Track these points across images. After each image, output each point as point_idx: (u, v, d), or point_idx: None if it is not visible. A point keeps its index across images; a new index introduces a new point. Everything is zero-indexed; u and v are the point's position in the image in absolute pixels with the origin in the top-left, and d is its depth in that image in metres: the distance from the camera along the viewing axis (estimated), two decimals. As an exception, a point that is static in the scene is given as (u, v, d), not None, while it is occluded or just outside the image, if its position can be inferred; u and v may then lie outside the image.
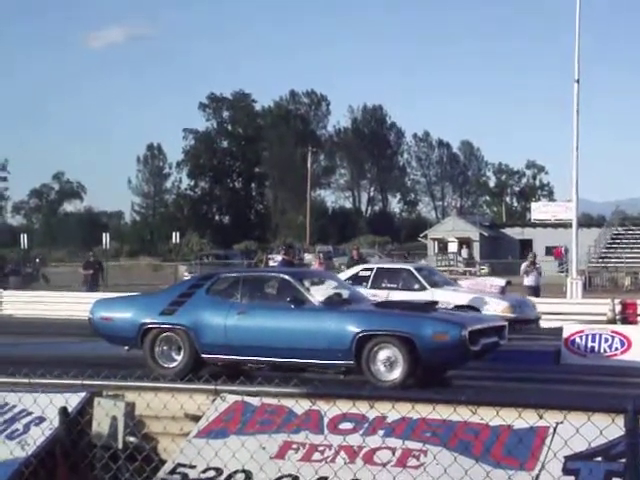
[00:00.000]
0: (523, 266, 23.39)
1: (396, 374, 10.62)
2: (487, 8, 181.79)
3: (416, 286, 16.69)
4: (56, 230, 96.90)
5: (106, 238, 48.48)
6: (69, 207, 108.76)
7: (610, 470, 4.73)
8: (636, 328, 14.62)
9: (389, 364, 10.67)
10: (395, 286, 16.95)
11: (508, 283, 19.66)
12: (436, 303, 12.57)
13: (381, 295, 16.02)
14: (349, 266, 22.94)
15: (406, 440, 5.22)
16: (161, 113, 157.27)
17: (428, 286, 16.65)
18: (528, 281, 23.36)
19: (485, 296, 16.79)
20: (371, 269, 17.76)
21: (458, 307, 15.74)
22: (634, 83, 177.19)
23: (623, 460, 4.40)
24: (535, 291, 22.72)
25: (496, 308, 15.97)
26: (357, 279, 17.20)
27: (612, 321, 16.70)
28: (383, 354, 10.69)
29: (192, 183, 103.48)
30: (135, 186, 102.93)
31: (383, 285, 16.98)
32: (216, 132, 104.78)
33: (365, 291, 16.28)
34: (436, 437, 5.15)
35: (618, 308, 17.68)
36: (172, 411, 5.78)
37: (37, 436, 6.01)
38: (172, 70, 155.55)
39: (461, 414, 4.98)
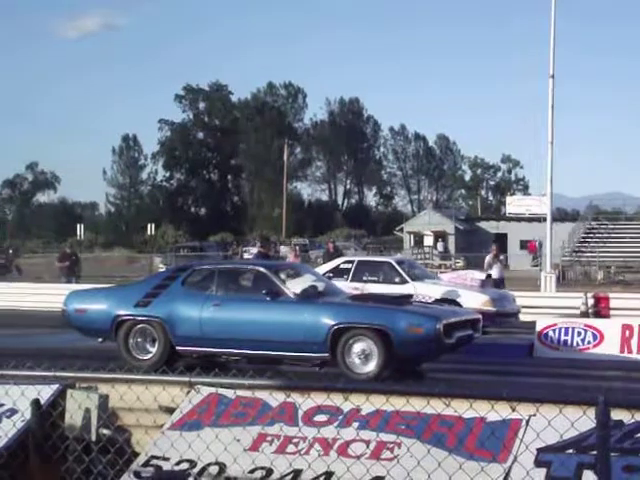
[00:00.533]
0: (487, 259, 23.41)
1: (371, 367, 10.65)
2: (468, 4, 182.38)
3: (397, 279, 16.68)
4: (29, 221, 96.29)
5: (80, 229, 48.22)
6: (43, 198, 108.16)
7: (581, 462, 4.77)
8: (608, 322, 14.75)
9: (364, 357, 10.69)
10: (376, 279, 16.94)
11: (488, 277, 19.74)
12: (411, 296, 12.61)
13: (362, 288, 16.07)
14: (325, 259, 22.93)
15: (380, 432, 5.24)
16: (137, 104, 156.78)
17: (409, 279, 16.65)
18: (492, 274, 23.31)
19: (466, 289, 16.83)
20: (352, 262, 17.72)
21: (439, 300, 15.81)
22: (611, 82, 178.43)
23: (594, 452, 4.45)
24: (498, 284, 22.67)
25: (476, 301, 15.98)
26: (338, 272, 17.18)
27: (585, 315, 16.82)
28: (358, 347, 10.71)
29: (168, 175, 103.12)
30: (110, 177, 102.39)
31: (364, 278, 16.95)
32: (192, 123, 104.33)
33: (346, 284, 16.23)
34: (410, 429, 5.17)
35: (591, 302, 17.81)
36: (146, 403, 5.76)
37: (8, 428, 5.97)
38: (148, 61, 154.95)
39: (435, 407, 5.00)
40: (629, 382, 11.30)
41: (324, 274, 17.05)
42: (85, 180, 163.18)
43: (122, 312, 11.83)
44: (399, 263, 17.59)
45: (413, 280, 16.69)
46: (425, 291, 16.23)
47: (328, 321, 10.81)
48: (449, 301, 15.86)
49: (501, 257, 23.86)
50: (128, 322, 11.76)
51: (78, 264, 27.58)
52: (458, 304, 15.65)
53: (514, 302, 17.35)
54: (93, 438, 5.68)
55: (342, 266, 17.52)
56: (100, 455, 5.59)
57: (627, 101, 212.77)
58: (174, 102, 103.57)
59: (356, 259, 18.47)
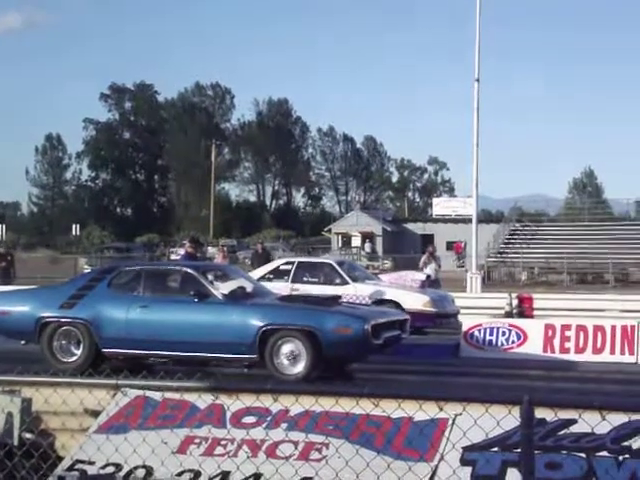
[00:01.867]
0: (423, 258, 23.63)
1: (299, 368, 10.67)
2: (395, 6, 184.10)
3: (337, 280, 16.67)
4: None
5: (2, 229, 47.13)
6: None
7: (506, 460, 4.86)
8: (532, 322, 15.02)
9: (292, 358, 10.71)
10: (316, 280, 16.92)
11: (428, 277, 19.88)
12: (339, 297, 12.65)
13: (302, 289, 16.01)
14: (253, 260, 22.86)
15: (309, 433, 5.25)
16: (61, 103, 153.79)
17: (350, 280, 16.65)
18: (427, 272, 23.50)
19: (406, 290, 16.93)
20: (292, 263, 17.65)
21: (379, 301, 15.87)
22: (533, 83, 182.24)
23: (518, 450, 4.53)
24: (432, 283, 22.93)
25: (417, 302, 16.10)
26: (278, 273, 17.13)
27: (509, 315, 17.10)
28: (286, 348, 10.72)
29: (93, 174, 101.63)
30: (33, 177, 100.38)
31: (304, 279, 16.93)
32: (118, 123, 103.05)
33: (286, 285, 16.26)
34: (338, 430, 5.19)
35: (515, 302, 18.12)
36: (71, 406, 5.66)
37: None
38: (72, 59, 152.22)
39: (363, 407, 5.04)
40: (551, 381, 11.55)
41: (264, 275, 17.01)
42: (7, 179, 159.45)
43: (46, 314, 11.63)
44: (340, 264, 17.62)
45: (354, 281, 16.72)
46: (366, 292, 16.28)
47: (256, 322, 10.80)
48: (390, 302, 15.96)
49: (437, 257, 23.89)
50: (52, 324, 11.56)
51: (13, 265, 26.83)
52: (399, 305, 15.77)
53: (453, 303, 17.51)
54: (15, 442, 5.56)
55: (282, 267, 17.46)
56: (23, 460, 5.47)
57: (547, 105, 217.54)
58: (99, 101, 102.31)
59: (296, 260, 18.42)
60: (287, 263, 17.82)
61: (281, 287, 15.72)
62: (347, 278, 16.70)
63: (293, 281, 16.71)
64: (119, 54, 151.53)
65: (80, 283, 12.34)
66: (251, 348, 10.73)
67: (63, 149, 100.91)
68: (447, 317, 16.83)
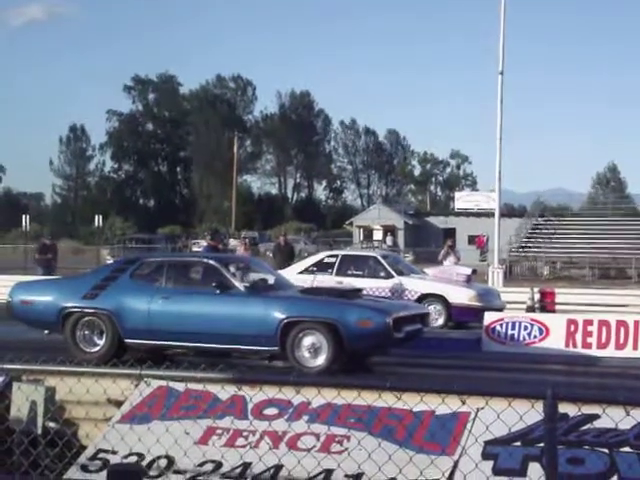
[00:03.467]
0: (442, 252, 23.43)
1: (320, 360, 10.66)
2: (418, 6, 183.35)
3: (382, 274, 16.52)
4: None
5: (26, 220, 47.33)
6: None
7: (528, 454, 4.85)
8: (554, 316, 14.94)
9: (313, 350, 10.70)
10: (361, 273, 16.73)
11: (474, 272, 19.66)
12: (361, 290, 12.62)
13: (346, 282, 15.76)
14: (276, 253, 22.81)
15: (331, 426, 5.26)
16: (85, 94, 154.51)
17: (394, 274, 16.50)
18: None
19: (452, 284, 16.73)
20: (336, 256, 17.48)
21: (425, 295, 15.77)
22: (556, 77, 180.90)
23: (541, 444, 4.51)
24: None
25: (464, 297, 16.01)
26: (322, 266, 16.97)
27: (531, 309, 17.02)
28: (308, 340, 10.72)
29: (116, 166, 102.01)
30: (57, 167, 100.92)
31: (349, 272, 16.74)
32: (141, 114, 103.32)
33: (330, 278, 16.13)
34: (360, 422, 5.19)
35: (537, 297, 18.00)
36: (95, 396, 5.70)
37: (-47, 421, 5.86)
38: (96, 50, 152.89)
39: (386, 400, 5.03)
40: (574, 376, 11.49)
41: (308, 267, 16.95)
42: (31, 170, 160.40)
43: (69, 304, 11.68)
44: (384, 257, 17.42)
45: (399, 275, 16.55)
46: (411, 286, 16.14)
47: (278, 315, 10.80)
48: (436, 296, 15.85)
49: (456, 250, 23.59)
50: (75, 314, 11.62)
51: (56, 256, 26.96)
52: (445, 299, 15.69)
53: (499, 297, 17.37)
54: (39, 431, 5.61)
55: (326, 260, 17.28)
56: (47, 448, 5.51)
57: (571, 99, 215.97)
58: (123, 93, 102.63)
59: (340, 253, 18.25)
60: (331, 256, 17.63)
61: (325, 280, 15.66)
62: (392, 271, 16.55)
63: (337, 274, 16.54)
64: (142, 46, 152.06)
65: (103, 274, 12.38)
66: (272, 340, 10.74)
67: (87, 140, 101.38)
68: (493, 311, 16.64)
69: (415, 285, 16.24)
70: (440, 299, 15.97)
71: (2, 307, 12.79)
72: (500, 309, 16.67)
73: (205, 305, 11.21)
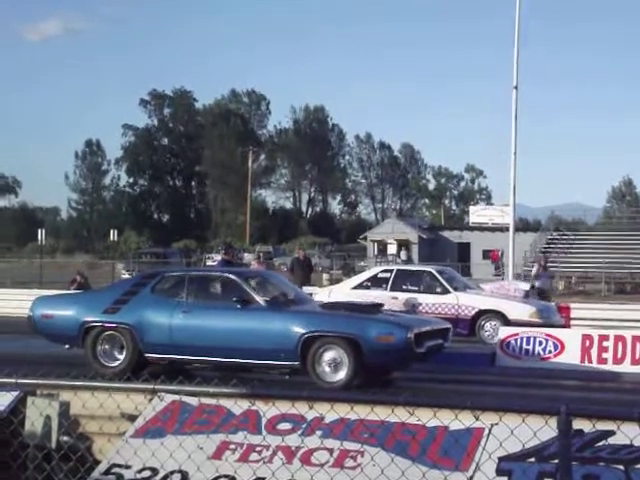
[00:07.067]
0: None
1: (341, 375, 10.63)
2: (432, 19, 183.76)
3: (438, 289, 16.24)
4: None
5: (42, 234, 47.59)
6: (3, 202, 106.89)
7: (542, 471, 4.82)
8: (569, 331, 14.87)
9: (334, 365, 10.66)
10: (416, 289, 16.48)
11: (532, 287, 19.36)
12: (382, 305, 12.53)
13: (401, 298, 15.50)
14: (294, 267, 22.65)
15: (344, 441, 5.25)
16: (100, 109, 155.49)
17: (451, 289, 16.22)
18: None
19: (511, 300, 16.45)
20: (391, 271, 17.22)
21: (483, 312, 15.54)
22: (571, 92, 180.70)
23: (555, 461, 4.49)
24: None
25: (524, 313, 15.67)
26: (376, 281, 16.74)
27: (546, 324, 16.92)
28: (328, 355, 10.69)
29: (131, 180, 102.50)
30: (72, 182, 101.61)
31: (404, 287, 16.48)
32: (156, 129, 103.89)
33: (385, 293, 15.90)
34: (374, 438, 5.18)
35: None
36: (109, 410, 5.71)
37: (-32, 435, 5.88)
38: (113, 65, 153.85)
39: (399, 415, 5.02)
40: (589, 391, 11.43)
41: (361, 283, 16.79)
42: (47, 185, 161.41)
43: (90, 318, 11.70)
44: (440, 273, 17.01)
45: (455, 290, 16.25)
46: (469, 302, 15.88)
47: (299, 329, 10.78)
48: (494, 312, 15.56)
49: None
50: (96, 328, 11.64)
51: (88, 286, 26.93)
52: (504, 315, 15.37)
53: (558, 313, 17.01)
54: (54, 446, 5.61)
55: (380, 275, 17.02)
56: (61, 463, 5.52)
57: (585, 113, 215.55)
58: (139, 107, 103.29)
59: (395, 268, 18.01)
60: (386, 271, 17.36)
61: (379, 295, 15.33)
62: (448, 287, 16.25)
63: (392, 289, 16.28)
64: (158, 61, 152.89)
65: (124, 288, 12.39)
66: (293, 355, 10.72)
67: (102, 155, 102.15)
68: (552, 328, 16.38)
69: (473, 301, 15.92)
70: (498, 315, 15.59)
71: (21, 321, 12.83)
72: (560, 326, 16.22)
73: (226, 320, 11.20)
